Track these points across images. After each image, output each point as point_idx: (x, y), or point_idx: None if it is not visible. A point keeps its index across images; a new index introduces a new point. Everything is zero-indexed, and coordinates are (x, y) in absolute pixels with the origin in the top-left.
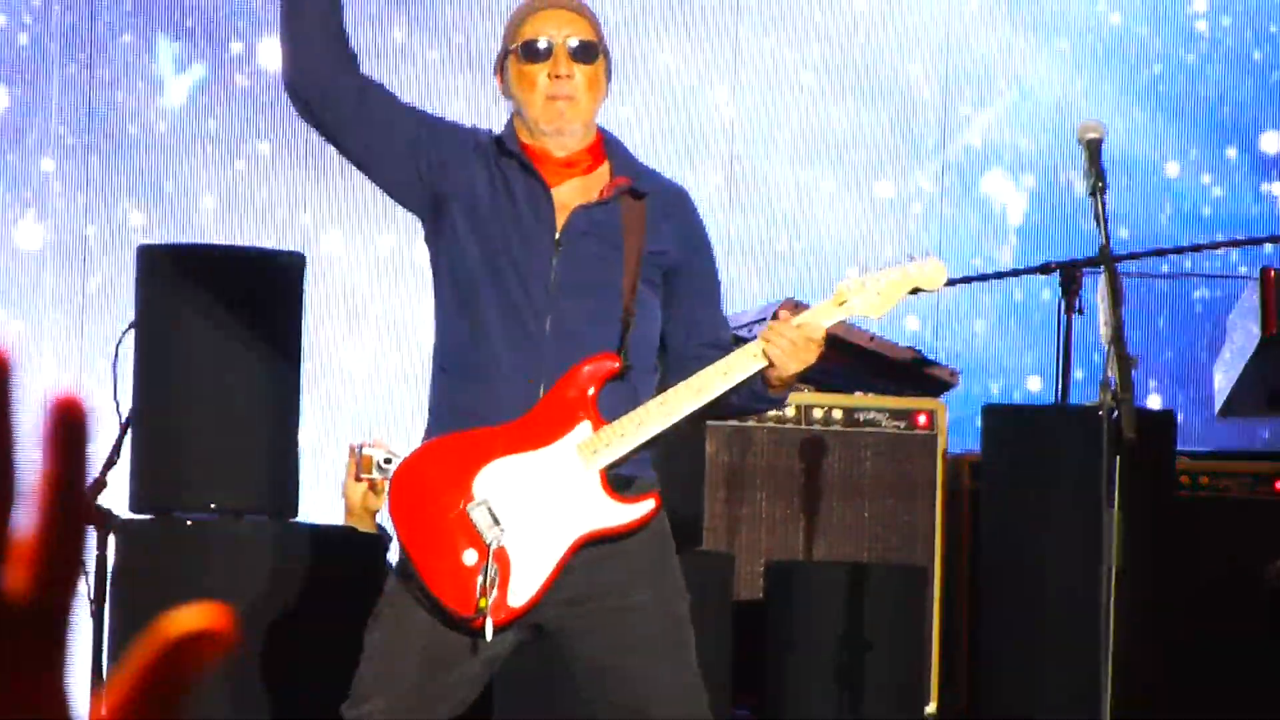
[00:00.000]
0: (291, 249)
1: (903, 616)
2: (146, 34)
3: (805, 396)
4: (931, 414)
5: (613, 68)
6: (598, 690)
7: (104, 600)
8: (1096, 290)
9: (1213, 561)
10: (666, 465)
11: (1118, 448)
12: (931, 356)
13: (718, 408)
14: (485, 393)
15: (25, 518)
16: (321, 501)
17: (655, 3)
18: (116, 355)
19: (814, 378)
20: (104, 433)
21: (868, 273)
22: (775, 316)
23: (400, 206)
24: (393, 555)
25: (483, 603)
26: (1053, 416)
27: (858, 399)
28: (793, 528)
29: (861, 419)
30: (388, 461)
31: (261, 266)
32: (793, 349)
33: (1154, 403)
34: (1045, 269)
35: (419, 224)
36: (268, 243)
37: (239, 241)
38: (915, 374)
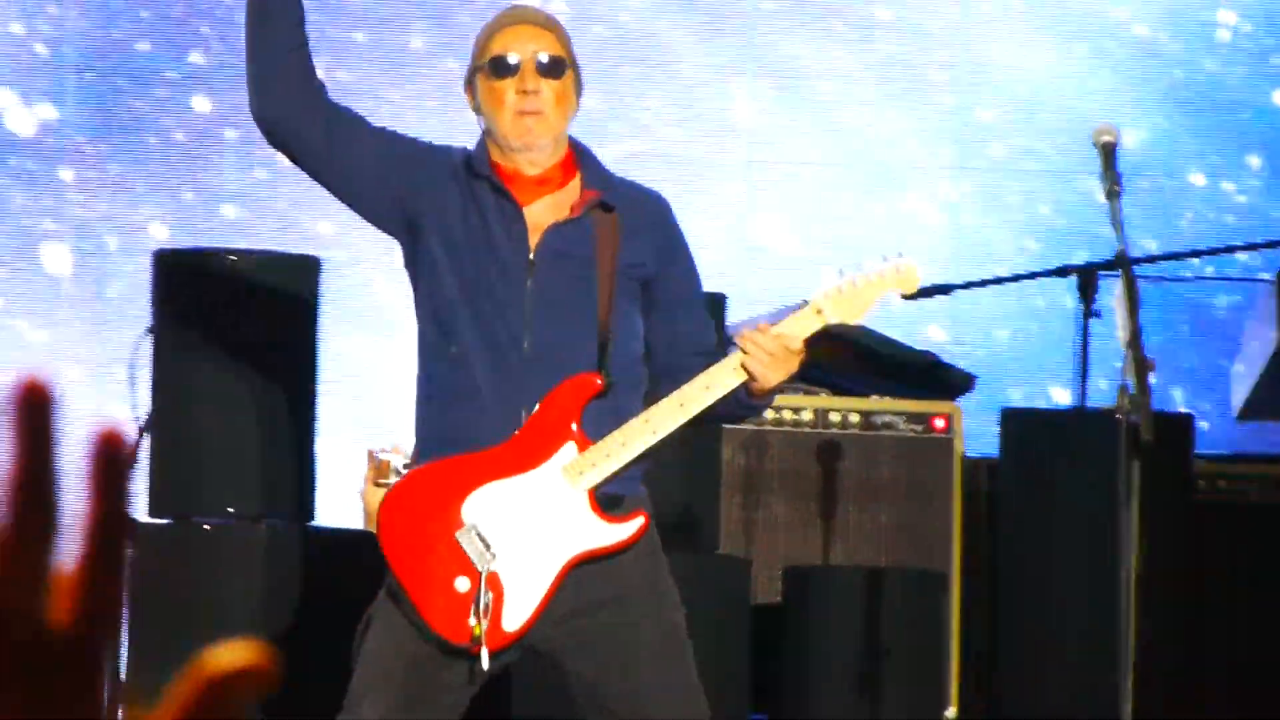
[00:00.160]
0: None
1: (921, 621)
2: (165, 42)
3: (822, 400)
4: (948, 417)
5: (582, 82)
6: (597, 706)
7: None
8: (1113, 294)
9: (1232, 564)
10: (683, 469)
11: (1135, 451)
12: (950, 362)
13: (703, 417)
14: (469, 419)
15: (67, 549)
16: (339, 506)
17: (675, 6)
18: (134, 361)
19: (830, 381)
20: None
21: (843, 277)
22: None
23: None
24: None
25: (477, 630)
26: (1070, 420)
27: (874, 402)
28: (810, 532)
29: (878, 422)
30: (406, 467)
31: (278, 271)
32: (773, 361)
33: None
34: (1062, 272)
35: None
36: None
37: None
38: (932, 377)
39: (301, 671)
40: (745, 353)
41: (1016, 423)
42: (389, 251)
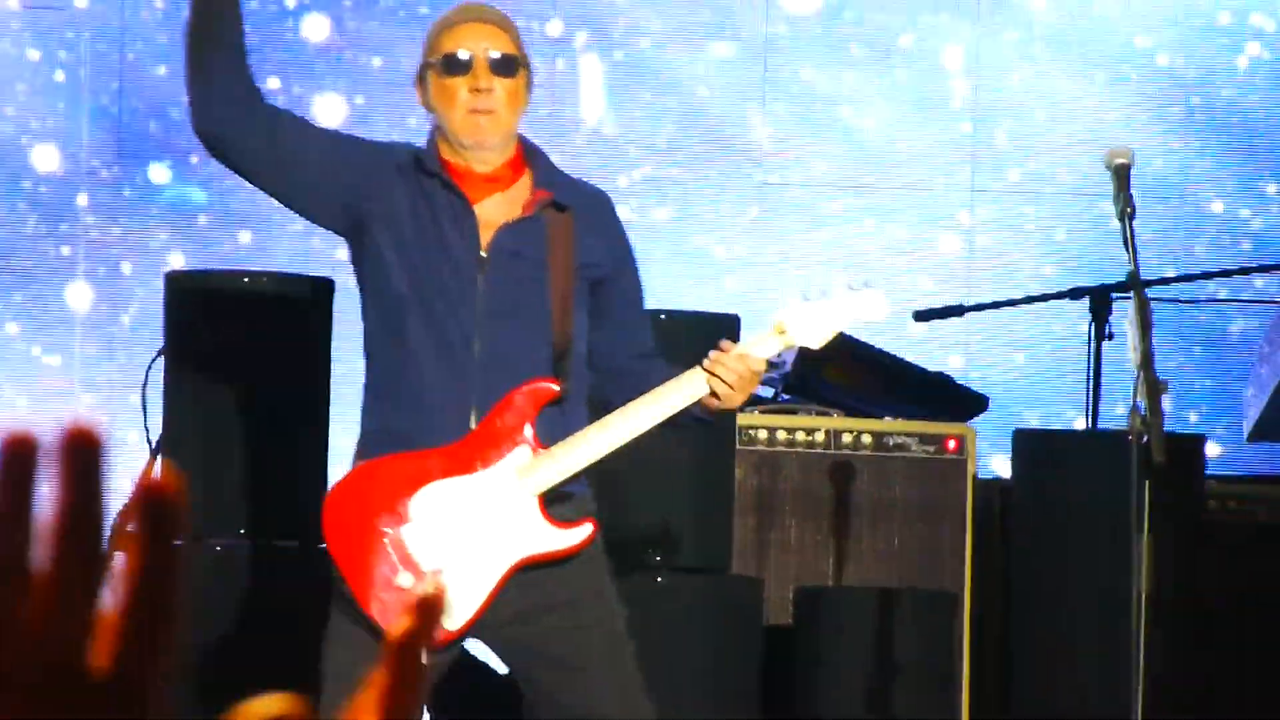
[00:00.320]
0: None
1: (933, 642)
2: (179, 66)
3: (834, 421)
4: (961, 439)
5: (533, 80)
6: (548, 705)
7: None
8: (1126, 316)
9: (1243, 585)
10: (696, 490)
11: (1147, 472)
12: (962, 383)
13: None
14: (418, 418)
15: (112, 594)
16: None
17: (693, 33)
18: (145, 383)
19: (843, 403)
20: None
21: (808, 300)
22: (718, 347)
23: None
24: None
25: None
26: (1083, 441)
27: (887, 424)
28: (822, 552)
29: (891, 443)
30: None
31: (289, 292)
32: (740, 381)
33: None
34: (1075, 294)
35: None
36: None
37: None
38: (945, 398)
39: (316, 692)
40: (713, 374)
41: (1029, 444)
42: None
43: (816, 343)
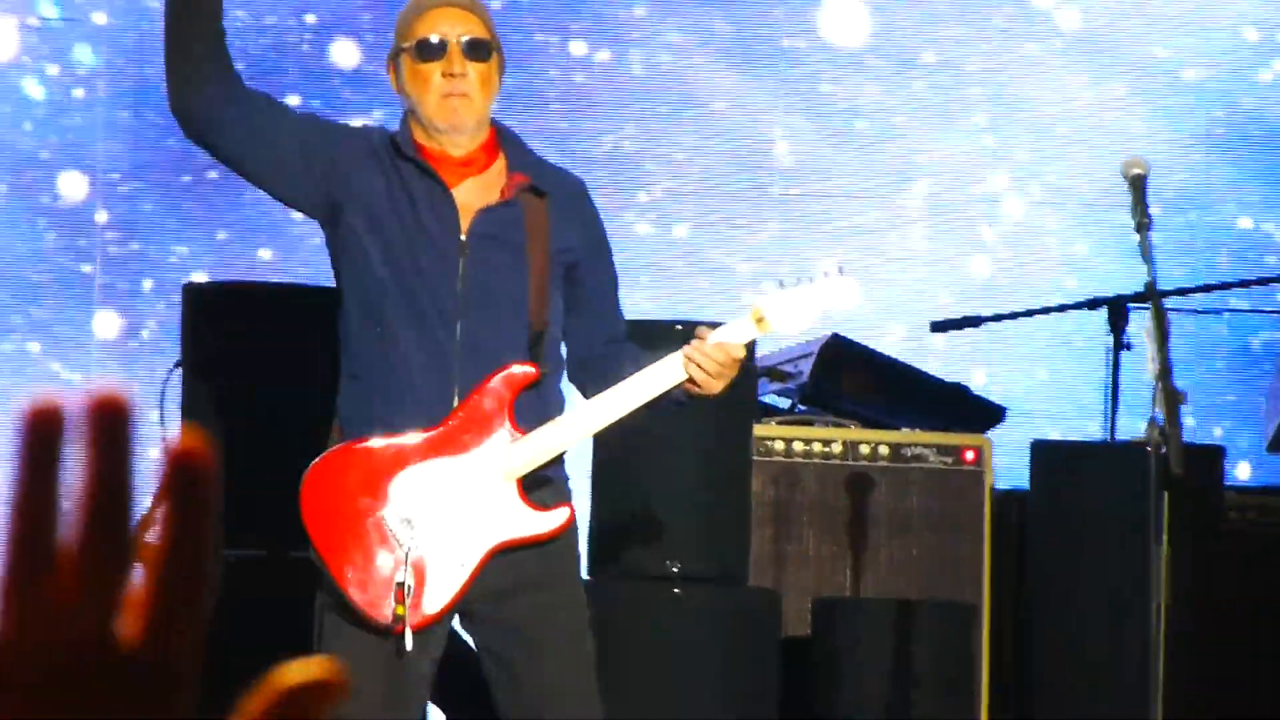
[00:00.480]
0: None
1: (951, 653)
2: None
3: (852, 432)
4: (978, 449)
5: (505, 64)
6: (511, 682)
7: None
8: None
9: (1262, 596)
10: (713, 501)
11: (1166, 483)
12: (979, 393)
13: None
14: (397, 400)
15: (142, 569)
16: None
17: (713, 46)
18: (164, 394)
19: (859, 413)
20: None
21: (785, 288)
22: (697, 335)
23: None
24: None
25: (400, 610)
26: (1100, 452)
27: (904, 435)
28: (839, 564)
29: (908, 454)
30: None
31: (307, 302)
32: (719, 369)
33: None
34: (1092, 304)
35: None
36: None
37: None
38: (961, 408)
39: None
40: (694, 363)
41: (1046, 454)
42: None
43: (793, 329)
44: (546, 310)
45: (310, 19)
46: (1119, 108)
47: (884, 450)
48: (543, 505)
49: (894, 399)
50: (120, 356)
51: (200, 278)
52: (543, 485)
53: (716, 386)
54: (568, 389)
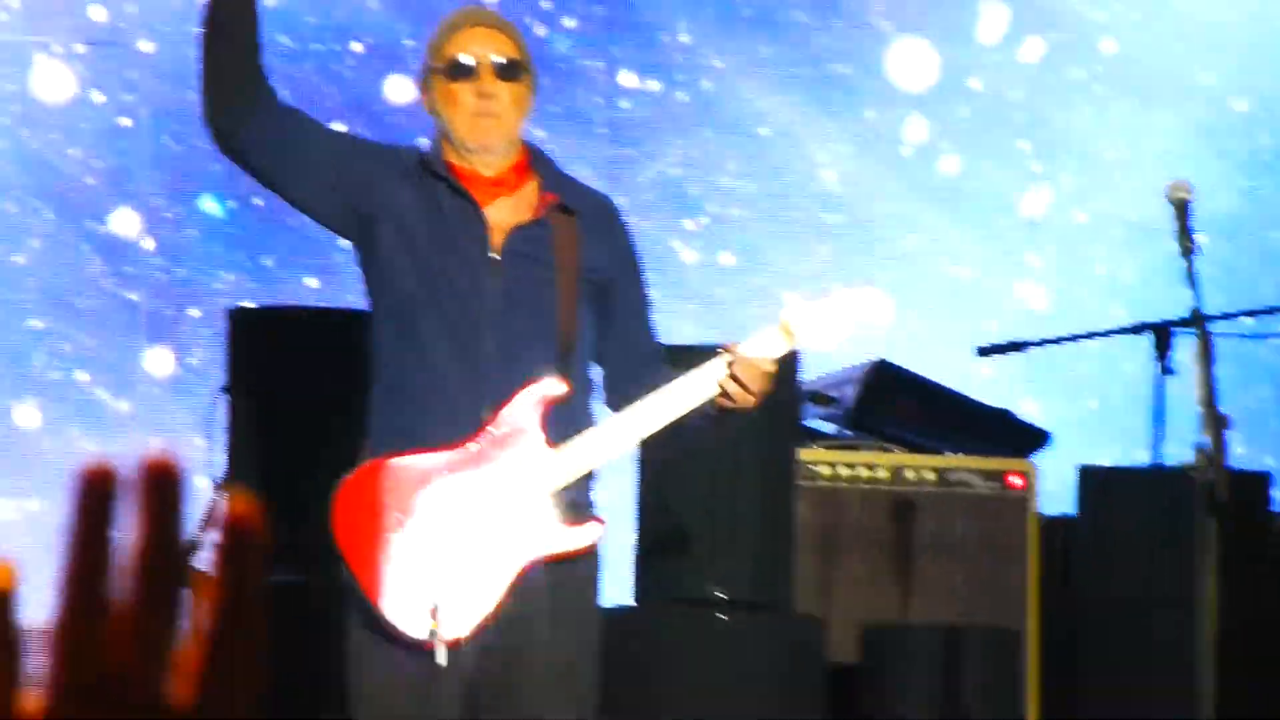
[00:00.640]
0: None
1: (997, 678)
2: None
3: (896, 457)
4: (1024, 474)
5: (538, 83)
6: (492, 702)
7: None
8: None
9: None
10: (758, 528)
11: (1212, 509)
12: (1024, 419)
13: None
14: (429, 414)
15: (194, 627)
16: None
17: (756, 71)
18: (210, 421)
19: (904, 439)
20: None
21: (814, 301)
22: (721, 350)
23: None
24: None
25: (434, 626)
26: (1146, 478)
27: (949, 460)
28: (885, 589)
29: (953, 480)
30: None
31: (351, 327)
32: (750, 384)
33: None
34: (1137, 330)
35: None
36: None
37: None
38: (1006, 433)
39: None
40: (732, 379)
41: (1093, 480)
42: None
43: (826, 344)
44: (576, 327)
45: (357, 47)
46: (1164, 131)
47: (929, 475)
48: (573, 520)
49: (939, 424)
50: (167, 384)
51: (246, 304)
52: (573, 499)
53: (749, 401)
54: (599, 409)
